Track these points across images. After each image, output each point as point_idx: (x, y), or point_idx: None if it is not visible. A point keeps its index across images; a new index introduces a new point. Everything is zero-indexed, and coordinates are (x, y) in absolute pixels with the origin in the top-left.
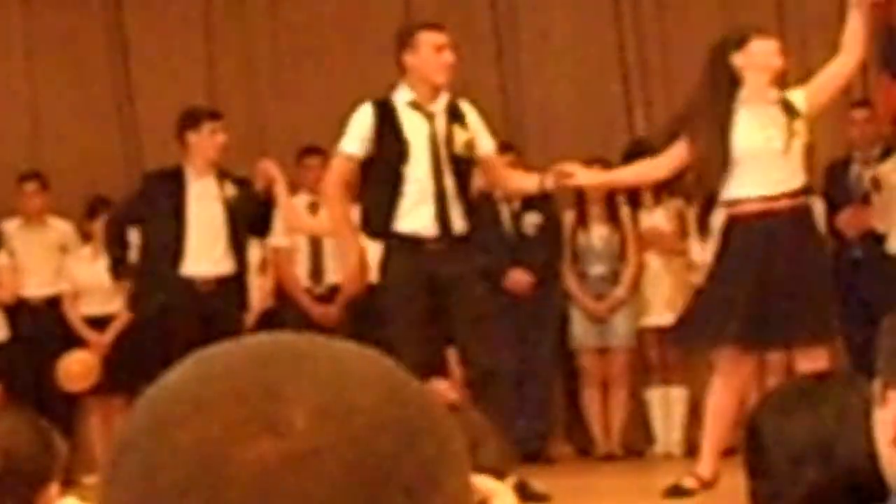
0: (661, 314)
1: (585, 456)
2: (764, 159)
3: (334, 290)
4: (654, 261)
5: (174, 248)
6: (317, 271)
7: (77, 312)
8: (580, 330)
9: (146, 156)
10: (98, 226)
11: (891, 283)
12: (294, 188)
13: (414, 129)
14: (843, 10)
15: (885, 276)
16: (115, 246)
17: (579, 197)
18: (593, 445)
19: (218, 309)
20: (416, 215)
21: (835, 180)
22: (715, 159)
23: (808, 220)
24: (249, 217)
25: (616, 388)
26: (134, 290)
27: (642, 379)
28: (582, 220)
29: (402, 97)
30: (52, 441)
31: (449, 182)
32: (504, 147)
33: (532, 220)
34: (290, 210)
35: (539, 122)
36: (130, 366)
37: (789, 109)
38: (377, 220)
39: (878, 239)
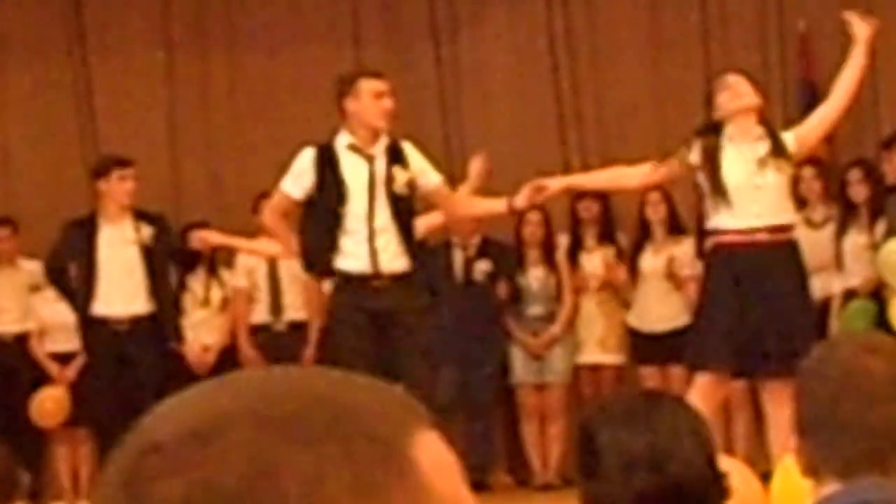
0: (595, 353)
1: (524, 486)
2: (745, 193)
3: (295, 326)
4: (587, 302)
5: (85, 290)
6: (276, 308)
7: (43, 349)
8: (520, 367)
9: None
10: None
11: None
12: (252, 233)
13: (352, 171)
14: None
15: None
16: (65, 293)
17: (517, 240)
18: (532, 476)
19: (133, 346)
20: (355, 254)
21: None
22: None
23: (789, 254)
24: (168, 255)
25: (553, 421)
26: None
27: (578, 413)
28: (520, 263)
29: (342, 141)
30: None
31: (385, 222)
32: None
33: (482, 267)
34: (253, 251)
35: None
36: (92, 401)
37: (777, 149)
38: (318, 258)
39: None
